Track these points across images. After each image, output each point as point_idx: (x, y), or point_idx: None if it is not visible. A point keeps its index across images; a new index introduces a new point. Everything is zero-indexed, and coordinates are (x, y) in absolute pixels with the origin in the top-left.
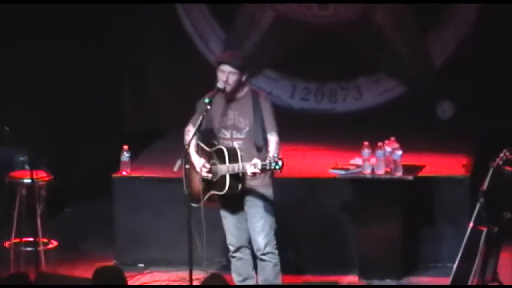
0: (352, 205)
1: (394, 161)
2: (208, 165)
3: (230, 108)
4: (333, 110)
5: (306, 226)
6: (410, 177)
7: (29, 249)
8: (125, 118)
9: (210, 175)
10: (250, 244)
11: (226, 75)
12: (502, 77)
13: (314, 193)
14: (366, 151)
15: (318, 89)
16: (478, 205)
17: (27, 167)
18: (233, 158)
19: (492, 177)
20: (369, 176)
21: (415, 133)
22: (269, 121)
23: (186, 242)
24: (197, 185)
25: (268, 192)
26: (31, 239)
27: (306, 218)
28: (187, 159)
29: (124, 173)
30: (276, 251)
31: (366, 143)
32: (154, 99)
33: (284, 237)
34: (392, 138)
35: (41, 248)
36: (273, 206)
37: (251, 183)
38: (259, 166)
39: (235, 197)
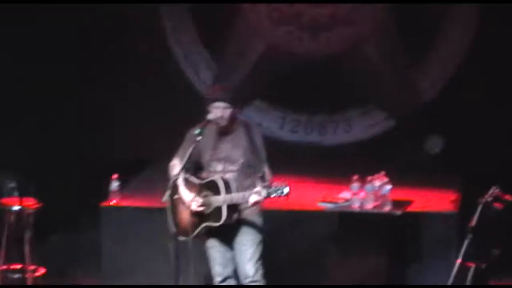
0: (340, 239)
1: (383, 195)
2: (200, 199)
3: (223, 141)
4: (323, 142)
5: (293, 258)
6: (398, 212)
7: (17, 276)
8: (114, 147)
9: (201, 209)
10: (235, 275)
11: (221, 110)
12: (491, 112)
13: (302, 225)
14: (355, 185)
15: (308, 121)
16: (466, 241)
17: (15, 193)
18: (228, 189)
19: (480, 214)
20: (357, 210)
21: (403, 168)
22: (263, 152)
23: (172, 272)
24: (187, 218)
25: (259, 220)
26: (19, 266)
27: (293, 250)
28: (176, 190)
29: (113, 202)
30: (263, 280)
31: (355, 177)
32: (144, 128)
33: (269, 268)
34: (382, 173)
35: (28, 275)
36: (263, 236)
37: (243, 212)
38: (264, 194)
39: (224, 227)
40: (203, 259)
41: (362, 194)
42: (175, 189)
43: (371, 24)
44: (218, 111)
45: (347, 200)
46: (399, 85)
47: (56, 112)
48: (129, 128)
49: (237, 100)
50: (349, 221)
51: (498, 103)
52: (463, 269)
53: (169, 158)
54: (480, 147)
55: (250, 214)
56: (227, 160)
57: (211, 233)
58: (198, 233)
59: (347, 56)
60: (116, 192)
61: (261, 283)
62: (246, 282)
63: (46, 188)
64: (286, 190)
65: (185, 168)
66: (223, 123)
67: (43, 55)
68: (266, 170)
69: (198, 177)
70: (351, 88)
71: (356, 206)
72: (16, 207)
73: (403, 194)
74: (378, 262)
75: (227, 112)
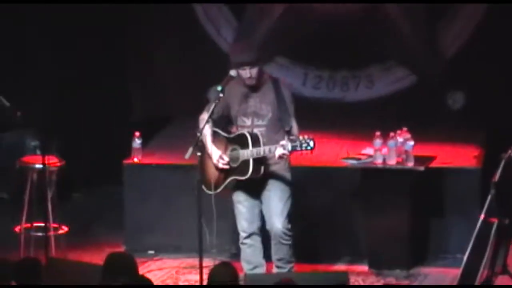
0: (363, 195)
1: (406, 151)
2: (225, 158)
3: (251, 96)
4: (345, 98)
5: (317, 215)
6: (421, 168)
7: (40, 234)
8: (135, 104)
9: (227, 167)
10: (261, 232)
11: (249, 72)
12: None
13: (325, 182)
14: (377, 141)
15: (330, 77)
16: (489, 197)
17: (38, 152)
18: (256, 143)
19: (503, 169)
20: (380, 166)
21: (426, 123)
22: (291, 107)
23: (196, 229)
24: (213, 172)
25: (288, 175)
26: (42, 224)
27: (317, 207)
28: (199, 147)
29: (135, 159)
30: (291, 233)
31: (378, 133)
32: (165, 85)
33: (294, 226)
34: (404, 128)
35: (51, 233)
36: (292, 191)
37: (272, 167)
38: (289, 148)
39: (252, 182)
40: (227, 216)
41: (384, 150)
42: (202, 143)
43: None
44: (245, 72)
45: (370, 156)
46: (421, 41)
47: (78, 69)
48: (149, 84)
49: (260, 58)
50: (372, 177)
51: None
52: (486, 224)
53: (191, 114)
54: (503, 102)
55: (280, 169)
56: (255, 115)
57: (239, 187)
58: (225, 186)
59: (369, 12)
60: (138, 150)
61: (289, 237)
62: (276, 235)
63: (68, 146)
64: (311, 144)
65: (210, 123)
66: (252, 82)
67: (69, 16)
68: (294, 124)
69: (226, 131)
70: (373, 44)
71: (379, 162)
72: (38, 165)
73: (426, 149)
74: (401, 218)
75: (254, 71)
